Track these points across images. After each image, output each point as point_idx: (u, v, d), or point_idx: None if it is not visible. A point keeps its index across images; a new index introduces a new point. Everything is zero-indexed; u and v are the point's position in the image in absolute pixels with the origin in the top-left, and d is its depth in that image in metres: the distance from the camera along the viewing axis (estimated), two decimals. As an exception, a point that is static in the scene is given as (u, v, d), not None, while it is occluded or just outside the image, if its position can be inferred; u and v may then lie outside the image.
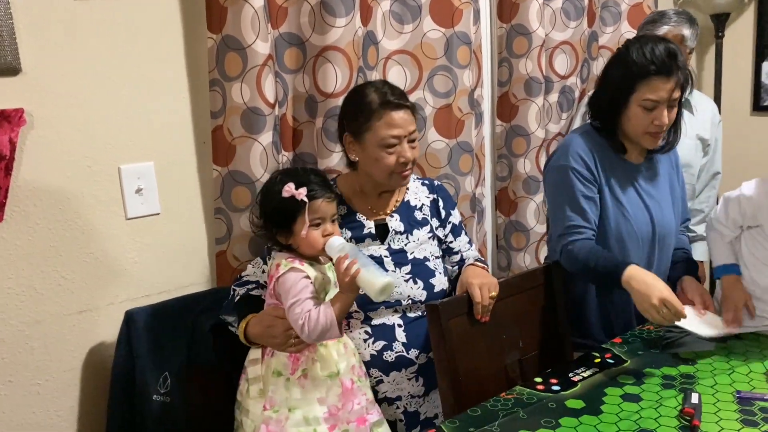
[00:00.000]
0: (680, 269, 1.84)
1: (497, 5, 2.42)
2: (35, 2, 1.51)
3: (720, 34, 2.92)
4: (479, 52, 2.28)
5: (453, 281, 1.79)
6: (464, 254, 1.81)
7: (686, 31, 2.22)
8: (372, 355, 1.64)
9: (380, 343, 1.64)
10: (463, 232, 1.86)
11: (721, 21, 2.91)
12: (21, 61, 1.49)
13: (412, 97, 2.05)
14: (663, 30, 2.20)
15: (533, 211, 2.47)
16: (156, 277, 1.76)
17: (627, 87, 1.67)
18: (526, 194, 2.46)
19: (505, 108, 2.45)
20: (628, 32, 2.66)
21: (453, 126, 2.18)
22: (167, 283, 1.78)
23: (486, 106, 2.44)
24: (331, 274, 1.54)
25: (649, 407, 1.39)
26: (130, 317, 1.64)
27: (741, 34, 2.94)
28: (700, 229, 2.43)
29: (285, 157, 1.91)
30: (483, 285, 1.62)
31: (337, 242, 1.47)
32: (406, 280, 1.68)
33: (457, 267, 1.81)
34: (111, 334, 1.68)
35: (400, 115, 1.61)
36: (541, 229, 2.49)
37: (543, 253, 2.51)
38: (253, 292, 1.64)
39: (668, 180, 1.86)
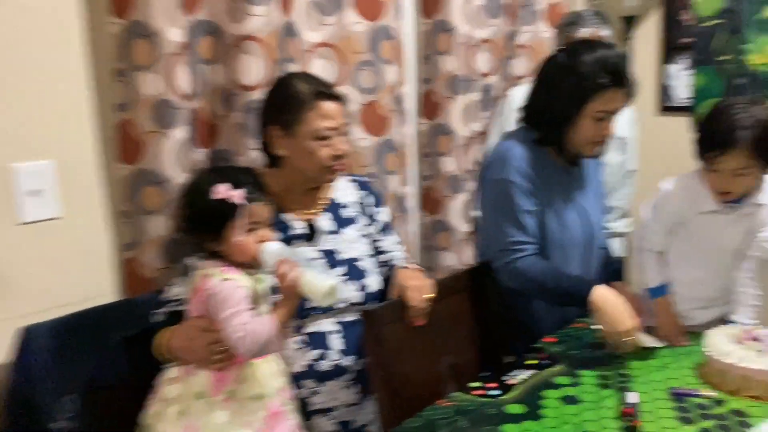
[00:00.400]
0: (608, 270, 1.86)
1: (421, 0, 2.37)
2: None
3: (629, 36, 3.02)
4: (403, 47, 2.23)
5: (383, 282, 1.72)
6: (393, 254, 1.76)
7: (605, 32, 2.26)
8: (306, 366, 1.54)
9: (315, 352, 1.56)
10: (393, 231, 1.79)
11: (629, 23, 3.01)
12: None
13: (337, 92, 1.97)
14: (584, 32, 2.22)
15: (458, 210, 2.44)
16: (56, 288, 1.57)
17: (581, 99, 1.62)
18: (451, 193, 2.43)
19: (429, 106, 2.41)
20: (546, 32, 2.69)
21: (379, 123, 2.11)
22: (70, 295, 1.59)
23: (410, 104, 2.39)
24: (265, 286, 1.43)
25: (589, 409, 1.38)
26: (26, 335, 1.45)
27: (648, 36, 3.04)
28: (617, 226, 2.49)
29: (201, 154, 1.77)
30: (418, 287, 1.57)
31: (274, 247, 1.36)
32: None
33: (386, 268, 1.74)
34: (1, 355, 1.48)
35: (333, 106, 1.55)
36: (467, 228, 2.47)
37: (468, 252, 2.49)
38: (179, 308, 1.49)
39: (595, 181, 1.87)
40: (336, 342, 1.58)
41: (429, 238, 2.50)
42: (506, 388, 1.47)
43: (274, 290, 1.40)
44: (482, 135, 2.52)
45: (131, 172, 1.64)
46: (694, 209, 1.67)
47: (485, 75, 2.48)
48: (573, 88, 1.62)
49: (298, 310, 1.49)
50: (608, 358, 1.59)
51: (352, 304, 1.60)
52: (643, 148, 2.60)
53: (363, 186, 1.76)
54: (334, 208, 1.67)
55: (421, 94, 2.43)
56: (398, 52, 2.17)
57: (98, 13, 1.59)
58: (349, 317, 1.60)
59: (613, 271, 1.86)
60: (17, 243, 1.51)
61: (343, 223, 1.66)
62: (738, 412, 1.33)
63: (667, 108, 3.04)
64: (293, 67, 1.89)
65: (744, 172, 1.56)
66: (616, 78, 1.61)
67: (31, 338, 1.45)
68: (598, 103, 1.62)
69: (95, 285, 1.65)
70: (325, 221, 1.64)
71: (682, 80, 2.97)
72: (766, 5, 2.56)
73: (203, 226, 1.37)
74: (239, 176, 1.39)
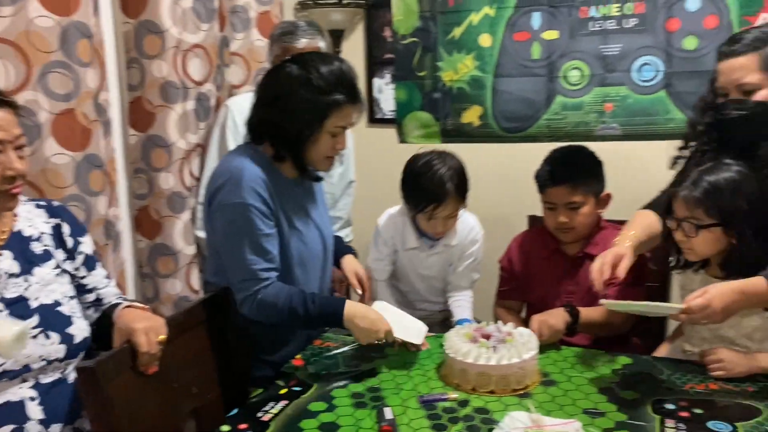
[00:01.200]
0: (337, 249, 1.90)
1: (121, -4, 2.09)
2: None
3: (337, 49, 3.10)
4: (102, 48, 1.93)
5: (93, 327, 1.46)
6: (101, 292, 1.51)
7: (321, 44, 2.25)
8: (-3, 447, 1.23)
9: (7, 429, 1.25)
10: (99, 264, 1.54)
11: (336, 37, 3.09)
12: None
13: (20, 98, 1.63)
14: (302, 43, 2.17)
15: (181, 231, 2.21)
16: None
17: (320, 115, 1.57)
18: (171, 213, 2.18)
19: (140, 115, 2.13)
20: (259, 40, 2.60)
21: (78, 136, 1.79)
22: None
23: (115, 113, 2.09)
24: None
25: (349, 433, 1.32)
26: None
27: (354, 50, 3.15)
28: (341, 235, 2.52)
29: None
30: (148, 329, 1.34)
31: None
32: (35, 336, 1.31)
33: (93, 309, 1.49)
34: None
35: None
36: (191, 250, 2.25)
37: (195, 276, 2.27)
38: None
39: (320, 192, 1.85)
40: (34, 411, 1.30)
41: (147, 265, 2.22)
42: (261, 426, 1.34)
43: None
44: (201, 147, 2.33)
45: None
46: (401, 246, 2.05)
47: (199, 83, 2.30)
48: (311, 104, 1.56)
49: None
50: (357, 374, 1.56)
51: (49, 362, 1.33)
52: (355, 159, 2.69)
53: (55, 212, 1.47)
54: (17, 243, 1.37)
55: (129, 102, 2.15)
56: (98, 54, 1.87)
57: None
58: (49, 378, 1.34)
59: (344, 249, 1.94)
60: None
61: (32, 261, 1.38)
62: (481, 410, 1.39)
63: (376, 120, 3.20)
64: (-44, 67, 1.50)
65: (452, 215, 1.93)
66: (352, 93, 1.60)
67: None
68: (336, 119, 1.59)
69: None
70: (6, 261, 1.33)
71: (387, 93, 3.15)
72: (455, 27, 2.84)
73: None
74: None
